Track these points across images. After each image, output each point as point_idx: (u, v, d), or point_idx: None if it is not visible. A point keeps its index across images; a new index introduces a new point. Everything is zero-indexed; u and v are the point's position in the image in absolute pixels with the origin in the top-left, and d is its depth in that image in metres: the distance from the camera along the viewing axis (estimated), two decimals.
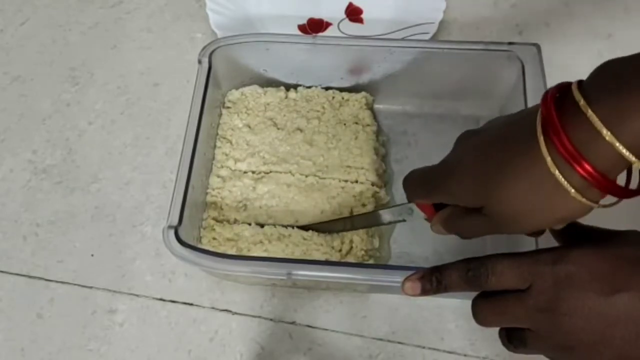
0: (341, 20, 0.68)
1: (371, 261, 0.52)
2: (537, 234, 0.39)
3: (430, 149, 0.59)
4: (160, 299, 0.54)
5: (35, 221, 0.58)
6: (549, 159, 0.31)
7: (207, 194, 0.55)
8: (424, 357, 0.51)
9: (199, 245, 0.51)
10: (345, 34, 0.67)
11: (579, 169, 0.30)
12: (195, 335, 0.52)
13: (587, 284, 0.32)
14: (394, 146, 0.60)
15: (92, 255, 0.56)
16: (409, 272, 0.39)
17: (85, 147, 0.62)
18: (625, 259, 0.32)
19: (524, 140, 0.33)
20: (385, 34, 0.66)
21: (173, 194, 0.48)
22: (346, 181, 0.55)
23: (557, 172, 0.31)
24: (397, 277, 0.40)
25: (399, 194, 0.57)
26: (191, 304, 0.54)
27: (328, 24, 0.68)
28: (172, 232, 0.45)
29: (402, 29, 0.65)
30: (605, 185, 0.31)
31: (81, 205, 0.59)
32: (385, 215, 0.49)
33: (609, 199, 0.33)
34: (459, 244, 0.54)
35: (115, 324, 0.53)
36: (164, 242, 0.45)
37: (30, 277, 0.56)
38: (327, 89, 0.61)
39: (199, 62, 0.55)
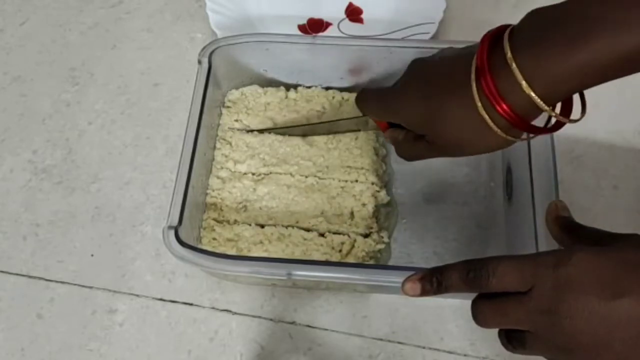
0: (341, 20, 0.68)
1: (371, 262, 0.52)
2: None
3: None
4: (160, 299, 0.54)
5: (35, 221, 0.58)
6: (479, 104, 0.37)
7: (207, 194, 0.55)
8: (424, 357, 0.51)
9: (199, 246, 0.51)
10: (345, 34, 0.67)
11: (501, 112, 0.36)
12: (195, 335, 0.52)
13: (588, 287, 0.32)
14: None
15: (92, 255, 0.56)
16: (409, 273, 0.39)
17: (85, 147, 0.62)
18: (627, 262, 0.32)
19: (460, 81, 0.38)
20: (385, 34, 0.66)
21: (173, 194, 0.48)
22: (346, 181, 0.55)
23: (484, 114, 0.37)
24: (397, 278, 0.40)
25: (400, 194, 0.57)
26: (191, 304, 0.54)
27: (328, 24, 0.68)
28: (172, 232, 0.45)
29: (402, 29, 0.65)
30: (524, 126, 0.37)
31: (81, 205, 0.59)
32: (345, 126, 0.56)
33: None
34: (460, 244, 0.55)
35: (115, 324, 0.53)
36: (164, 242, 0.45)
37: (30, 277, 0.56)
38: (327, 89, 0.61)
39: (199, 62, 0.55)
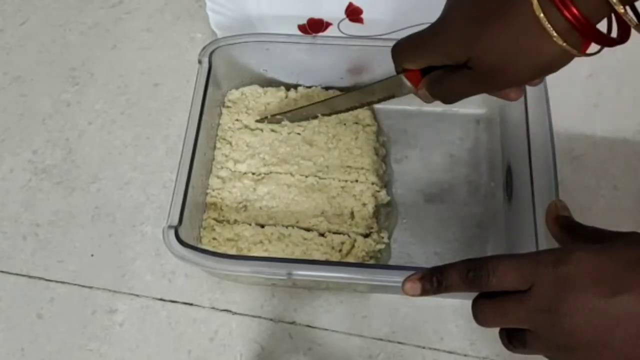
0: (341, 20, 0.68)
1: (371, 262, 0.52)
2: (517, 92, 0.40)
3: (430, 149, 0.60)
4: (160, 299, 0.54)
5: (35, 221, 0.58)
6: (535, 1, 0.32)
7: (207, 194, 0.55)
8: (424, 357, 0.51)
9: (199, 246, 0.51)
10: (345, 34, 0.67)
11: (564, 10, 0.31)
12: (195, 335, 0.52)
13: (587, 285, 0.32)
14: (394, 146, 0.60)
15: (92, 255, 0.56)
16: (409, 272, 0.39)
17: (85, 147, 0.62)
18: (627, 260, 0.32)
19: None
20: (385, 34, 0.66)
21: (173, 194, 0.48)
22: (346, 181, 0.55)
23: (541, 15, 0.32)
24: (397, 277, 0.40)
25: (400, 194, 0.57)
26: (191, 304, 0.54)
27: (328, 24, 0.68)
28: (172, 232, 0.46)
29: (402, 29, 0.65)
30: (587, 30, 0.32)
31: (81, 205, 0.59)
32: (376, 92, 0.49)
33: (591, 48, 0.34)
34: (460, 244, 0.55)
35: (115, 324, 0.53)
36: (164, 242, 0.45)
37: (30, 277, 0.56)
38: (327, 89, 0.61)
39: (199, 62, 0.55)
